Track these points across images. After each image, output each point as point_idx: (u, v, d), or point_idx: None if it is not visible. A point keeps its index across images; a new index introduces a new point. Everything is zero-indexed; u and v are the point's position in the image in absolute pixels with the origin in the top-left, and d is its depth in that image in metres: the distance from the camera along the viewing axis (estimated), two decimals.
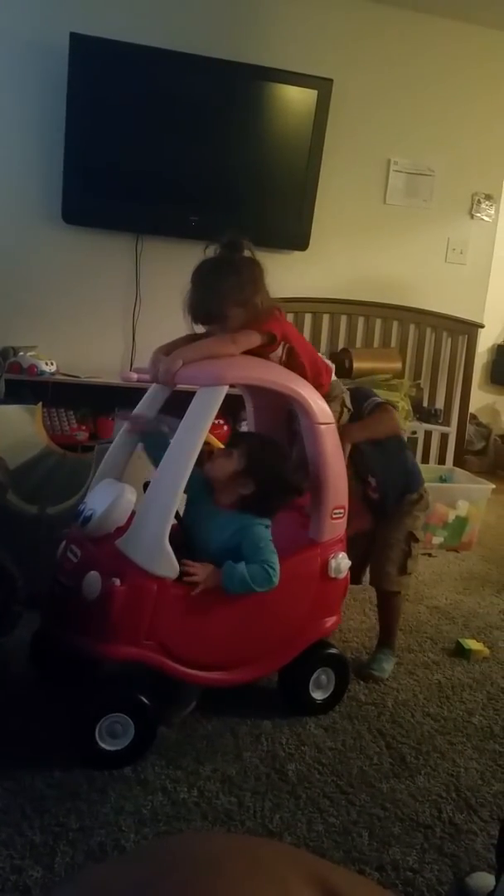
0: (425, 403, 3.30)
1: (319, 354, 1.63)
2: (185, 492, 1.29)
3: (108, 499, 1.30)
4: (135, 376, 2.91)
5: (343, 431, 1.50)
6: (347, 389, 1.65)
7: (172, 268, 3.03)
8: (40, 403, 2.22)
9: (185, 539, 1.32)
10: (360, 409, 1.64)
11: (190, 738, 1.36)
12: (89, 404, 2.89)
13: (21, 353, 2.74)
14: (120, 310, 3.06)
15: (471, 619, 2.06)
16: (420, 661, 1.77)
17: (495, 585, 2.38)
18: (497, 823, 1.18)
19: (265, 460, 1.33)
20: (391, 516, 1.68)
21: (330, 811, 1.21)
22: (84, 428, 2.86)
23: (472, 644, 1.84)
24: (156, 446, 1.35)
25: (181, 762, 1.29)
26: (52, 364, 2.81)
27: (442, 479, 2.91)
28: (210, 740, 1.36)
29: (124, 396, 2.82)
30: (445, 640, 1.90)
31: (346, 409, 1.59)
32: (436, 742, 1.44)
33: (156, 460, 1.32)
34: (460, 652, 1.83)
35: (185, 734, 1.37)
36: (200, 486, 1.34)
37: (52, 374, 2.80)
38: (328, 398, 1.47)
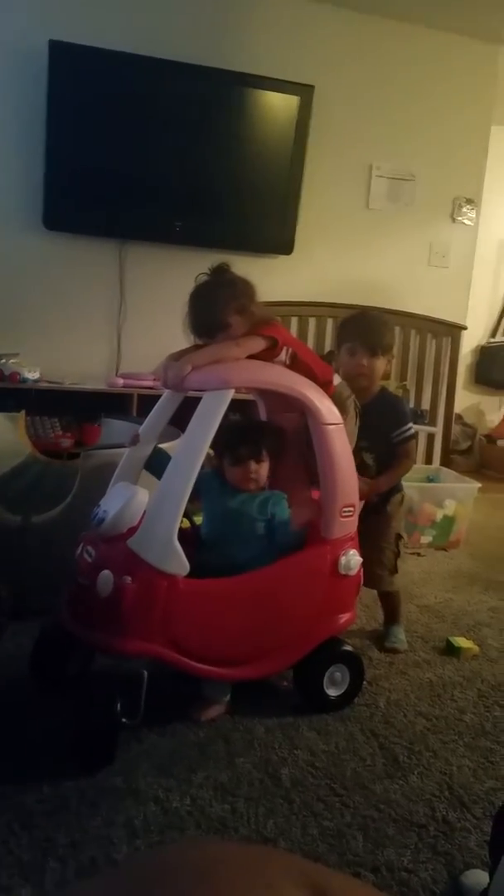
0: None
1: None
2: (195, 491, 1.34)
3: (120, 501, 1.35)
4: (121, 381, 2.90)
5: (373, 485, 1.71)
6: (391, 393, 1.81)
7: (157, 273, 3.06)
8: (23, 411, 2.20)
9: (200, 535, 1.40)
10: (389, 429, 1.75)
11: (181, 745, 1.35)
12: (73, 411, 2.87)
13: (3, 360, 2.71)
14: (104, 316, 3.05)
15: (460, 617, 2.07)
16: (411, 660, 1.78)
17: (483, 583, 2.39)
18: (490, 820, 1.18)
19: (275, 442, 1.50)
20: (379, 519, 1.77)
21: (324, 814, 1.20)
22: (69, 435, 2.83)
23: (461, 642, 1.85)
24: (157, 464, 1.45)
25: (173, 770, 1.27)
26: (34, 371, 2.78)
27: (429, 479, 2.92)
28: (202, 747, 1.35)
29: (109, 403, 2.81)
30: (435, 639, 1.91)
31: (356, 413, 1.63)
32: (428, 741, 1.44)
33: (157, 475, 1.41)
34: (450, 650, 1.83)
35: (177, 742, 1.35)
36: (214, 482, 1.46)
37: (35, 381, 2.78)
38: (338, 405, 1.49)
